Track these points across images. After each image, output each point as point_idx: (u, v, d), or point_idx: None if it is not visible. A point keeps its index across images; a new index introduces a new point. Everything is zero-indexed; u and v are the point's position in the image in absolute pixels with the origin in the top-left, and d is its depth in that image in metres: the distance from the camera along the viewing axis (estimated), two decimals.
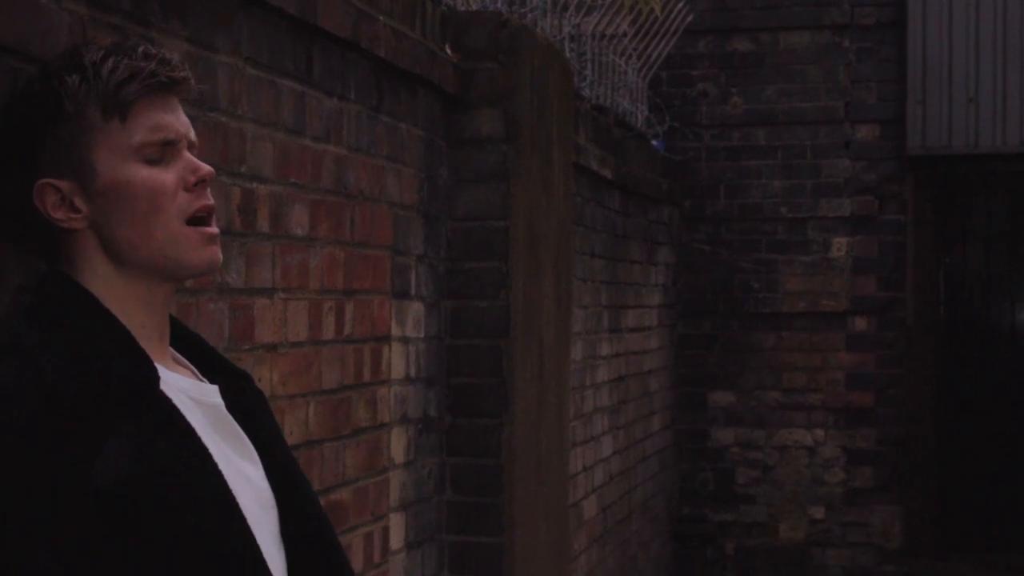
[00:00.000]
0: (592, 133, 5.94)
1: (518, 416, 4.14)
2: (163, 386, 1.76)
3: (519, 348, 4.15)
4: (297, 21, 3.03)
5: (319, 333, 3.21)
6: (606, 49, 6.61)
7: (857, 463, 8.11)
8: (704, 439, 8.31)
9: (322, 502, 2.02)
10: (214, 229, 1.84)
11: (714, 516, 8.27)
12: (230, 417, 1.87)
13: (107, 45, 1.84)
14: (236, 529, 1.75)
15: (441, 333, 4.09)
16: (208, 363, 1.95)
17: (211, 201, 1.85)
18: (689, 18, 7.51)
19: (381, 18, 3.49)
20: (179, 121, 1.84)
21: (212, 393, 1.87)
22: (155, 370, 1.75)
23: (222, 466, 1.76)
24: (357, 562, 3.40)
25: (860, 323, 8.15)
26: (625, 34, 6.95)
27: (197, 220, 1.82)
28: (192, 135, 1.86)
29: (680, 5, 7.26)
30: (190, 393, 1.82)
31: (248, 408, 1.93)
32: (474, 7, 4.50)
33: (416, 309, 3.89)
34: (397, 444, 3.73)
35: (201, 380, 1.89)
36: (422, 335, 3.94)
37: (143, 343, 1.78)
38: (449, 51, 4.08)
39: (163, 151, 1.81)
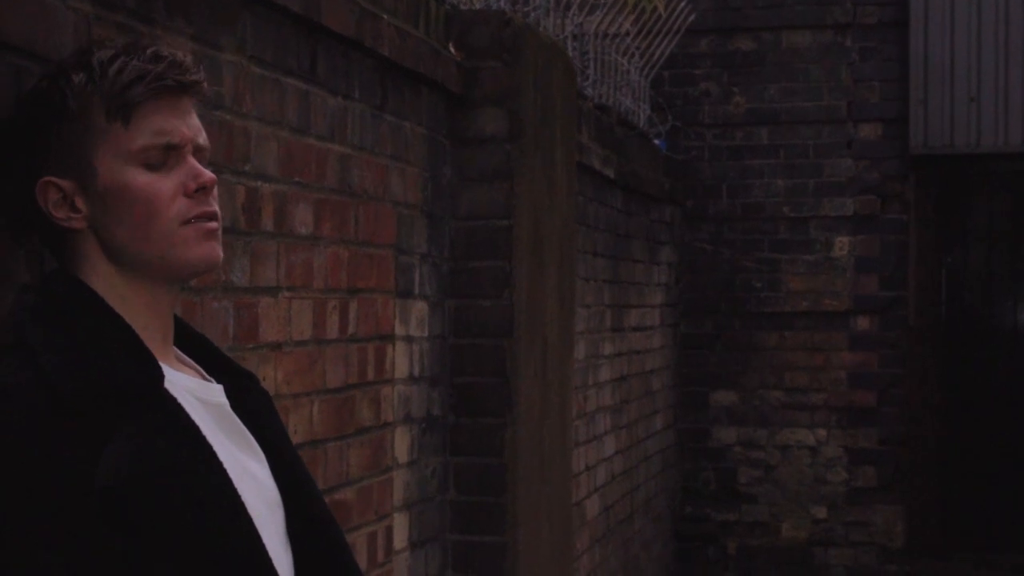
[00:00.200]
0: (595, 132, 5.93)
1: (521, 415, 4.13)
2: (168, 385, 1.76)
3: (523, 347, 4.15)
4: (301, 19, 3.03)
5: (323, 332, 3.20)
6: (608, 48, 6.61)
7: (859, 463, 8.10)
8: (706, 438, 8.30)
9: (326, 501, 2.01)
10: (213, 225, 1.82)
11: (716, 516, 8.27)
12: (235, 417, 1.87)
13: (120, 45, 1.83)
14: (242, 528, 1.74)
15: (445, 332, 4.09)
16: (213, 363, 1.95)
17: (212, 207, 1.82)
18: (691, 17, 7.50)
19: (385, 17, 3.49)
20: (186, 125, 1.81)
21: (217, 393, 1.86)
22: (159, 368, 1.75)
23: (227, 465, 1.76)
24: (361, 562, 3.40)
25: (862, 322, 8.14)
26: (627, 33, 6.95)
27: (197, 218, 1.81)
28: (201, 139, 1.84)
29: (682, 4, 7.26)
30: (195, 393, 1.82)
31: (253, 408, 1.93)
32: (477, 6, 4.49)
33: (420, 308, 3.89)
34: (401, 443, 3.73)
35: (206, 380, 1.89)
36: (426, 334, 3.93)
37: (147, 343, 1.77)
38: (453, 50, 4.07)
39: (166, 155, 1.79)
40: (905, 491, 8.11)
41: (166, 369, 1.77)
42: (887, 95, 8.13)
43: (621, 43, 6.86)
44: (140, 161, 1.78)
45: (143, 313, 1.80)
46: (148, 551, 1.64)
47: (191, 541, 1.68)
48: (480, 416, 4.08)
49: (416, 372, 3.86)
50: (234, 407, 1.88)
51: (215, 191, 1.85)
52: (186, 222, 1.79)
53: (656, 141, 7.71)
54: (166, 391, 1.75)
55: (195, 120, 1.84)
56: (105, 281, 1.80)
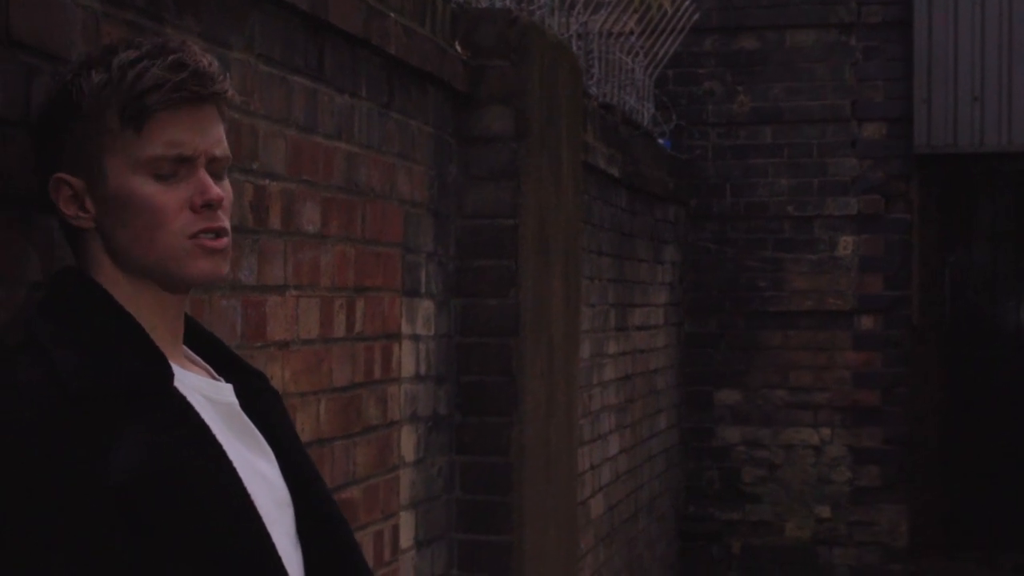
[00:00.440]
0: (599, 131, 5.93)
1: (527, 414, 4.13)
2: (177, 384, 1.75)
3: (528, 346, 4.15)
4: (309, 17, 3.02)
5: (330, 331, 3.20)
6: (613, 47, 6.60)
7: (863, 462, 8.09)
8: (710, 438, 8.30)
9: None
10: (219, 242, 1.79)
11: (720, 515, 8.26)
12: (244, 416, 1.86)
13: (147, 46, 1.78)
14: (252, 528, 1.74)
15: (451, 331, 4.08)
16: (223, 362, 1.94)
17: (219, 223, 1.78)
18: (695, 16, 7.49)
19: (392, 15, 3.48)
20: (202, 136, 1.77)
21: (227, 392, 1.86)
22: (169, 367, 1.74)
23: (237, 464, 1.75)
24: (367, 560, 3.39)
25: (866, 322, 8.13)
26: (632, 32, 6.94)
27: (204, 232, 1.78)
28: (218, 150, 1.80)
29: (687, 3, 7.25)
30: (204, 392, 1.81)
31: (263, 407, 1.92)
32: (483, 4, 4.49)
33: (426, 307, 3.89)
34: (407, 442, 3.73)
35: (216, 379, 1.88)
36: (432, 333, 3.93)
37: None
38: (459, 48, 4.07)
39: (176, 167, 1.76)
40: (909, 491, 8.10)
41: (176, 368, 1.77)
42: (891, 94, 8.12)
43: (625, 42, 6.86)
44: (149, 170, 1.75)
45: (149, 314, 1.79)
46: (157, 550, 1.64)
47: (200, 540, 1.67)
48: (486, 415, 4.07)
49: (422, 371, 3.85)
50: (244, 406, 1.87)
51: (228, 205, 1.81)
52: (191, 236, 1.77)
53: (660, 140, 7.70)
54: (176, 389, 1.74)
55: (216, 130, 1.80)
56: (111, 282, 1.79)
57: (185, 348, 1.89)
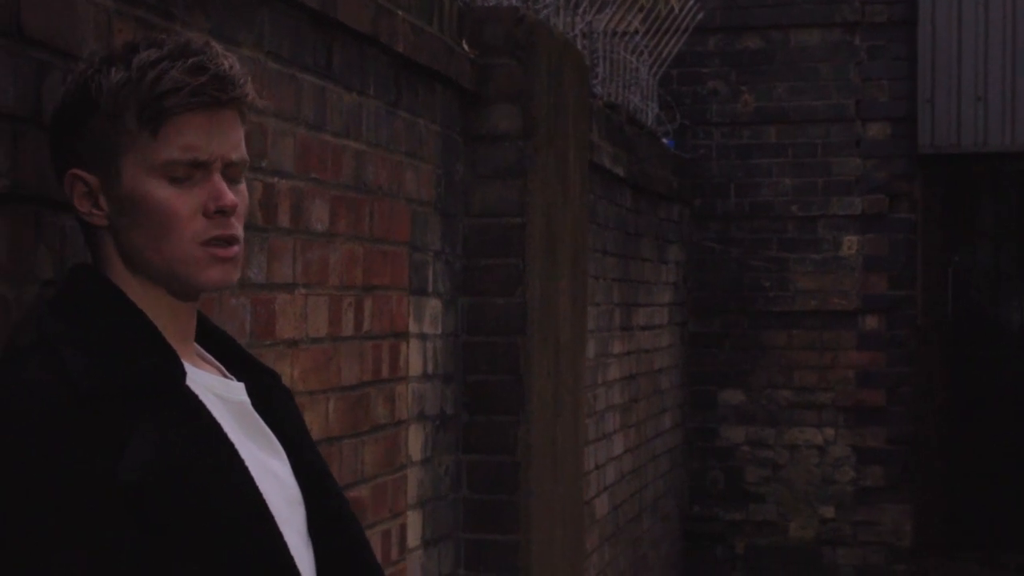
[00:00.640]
0: (604, 130, 5.93)
1: (534, 413, 4.12)
2: (188, 382, 1.75)
3: (535, 345, 4.14)
4: (318, 15, 3.02)
5: (338, 329, 3.19)
6: (618, 46, 6.60)
7: (867, 462, 8.08)
8: (714, 437, 8.29)
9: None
10: (229, 251, 1.77)
11: (724, 515, 8.26)
12: (256, 414, 1.86)
13: (170, 46, 1.75)
14: (263, 526, 1.73)
15: (458, 330, 4.08)
16: (235, 360, 1.94)
17: (232, 231, 1.77)
18: (700, 16, 7.49)
19: (400, 13, 3.48)
20: (219, 141, 1.75)
21: (238, 390, 1.85)
22: (181, 365, 1.74)
23: (248, 462, 1.75)
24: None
25: (871, 321, 8.12)
26: (636, 31, 6.94)
27: (215, 240, 1.76)
28: (235, 155, 1.78)
29: (691, 3, 7.24)
30: (216, 390, 1.81)
31: (275, 406, 1.92)
32: (490, 3, 4.48)
33: (433, 306, 3.88)
34: (415, 441, 3.72)
35: (228, 377, 1.88)
36: (439, 332, 3.92)
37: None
38: (466, 47, 4.06)
39: (191, 171, 1.74)
40: (913, 490, 8.09)
41: (187, 366, 1.76)
42: (896, 94, 8.11)
43: (630, 41, 6.86)
44: (164, 174, 1.74)
45: (160, 313, 1.79)
46: (168, 548, 1.64)
47: (212, 538, 1.67)
48: (493, 414, 4.07)
49: (430, 370, 3.85)
50: (255, 405, 1.87)
51: (244, 210, 1.80)
52: (203, 243, 1.75)
53: (664, 139, 7.70)
54: (187, 388, 1.74)
55: (234, 134, 1.78)
56: (121, 281, 1.78)
57: (197, 346, 1.88)
